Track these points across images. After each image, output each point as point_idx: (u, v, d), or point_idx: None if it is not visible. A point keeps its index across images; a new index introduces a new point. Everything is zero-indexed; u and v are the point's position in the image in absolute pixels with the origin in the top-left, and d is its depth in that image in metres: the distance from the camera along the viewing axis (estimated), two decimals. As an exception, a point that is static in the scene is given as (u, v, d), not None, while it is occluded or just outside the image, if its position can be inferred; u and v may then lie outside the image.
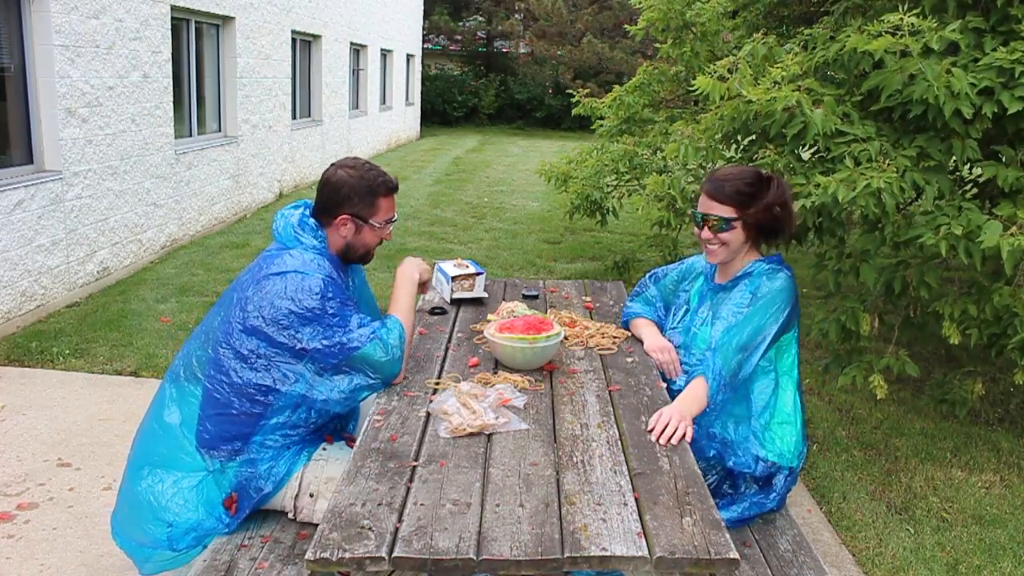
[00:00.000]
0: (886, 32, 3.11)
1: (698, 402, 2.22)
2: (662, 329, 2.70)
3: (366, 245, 2.40)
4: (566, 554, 1.56)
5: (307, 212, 2.37)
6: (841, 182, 3.01)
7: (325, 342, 2.15)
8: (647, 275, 2.86)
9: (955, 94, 3.02)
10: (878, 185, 2.96)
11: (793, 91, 3.23)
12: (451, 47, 25.75)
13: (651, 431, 2.06)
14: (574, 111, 6.41)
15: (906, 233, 3.20)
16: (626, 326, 2.80)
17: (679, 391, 2.36)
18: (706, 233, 2.41)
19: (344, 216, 2.33)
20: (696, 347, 2.48)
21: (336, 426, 2.41)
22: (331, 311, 2.17)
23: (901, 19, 3.06)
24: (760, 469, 2.35)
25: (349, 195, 2.32)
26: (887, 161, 3.11)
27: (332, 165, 2.39)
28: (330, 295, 2.19)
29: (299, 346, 2.14)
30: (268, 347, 2.15)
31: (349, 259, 2.41)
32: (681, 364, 2.51)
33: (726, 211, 2.37)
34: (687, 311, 2.61)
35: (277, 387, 2.15)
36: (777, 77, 3.32)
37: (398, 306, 2.43)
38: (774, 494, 2.37)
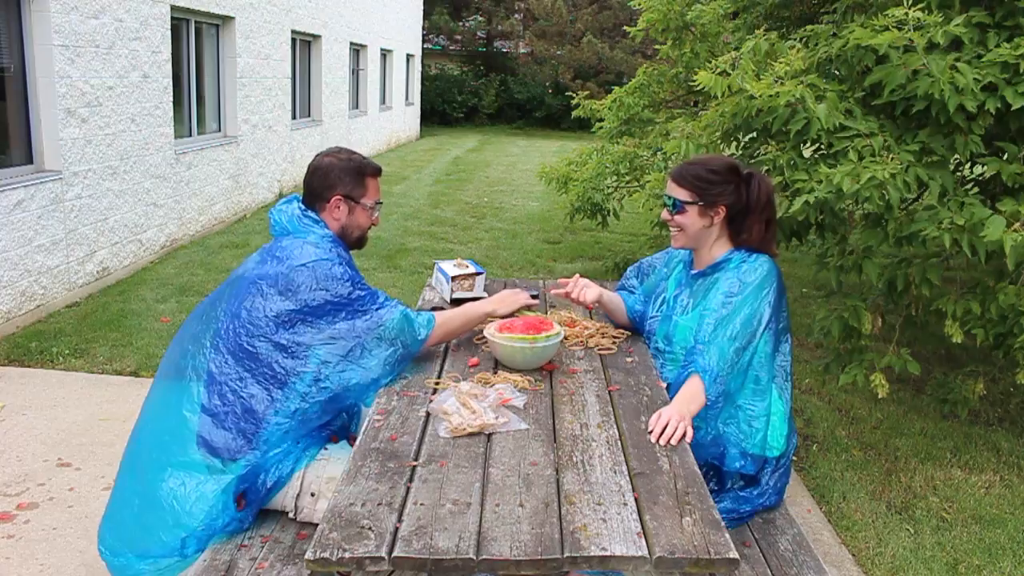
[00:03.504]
0: (892, 27, 3.10)
1: (696, 401, 2.21)
2: (632, 314, 2.74)
3: (360, 226, 2.49)
4: (566, 554, 1.55)
5: (302, 205, 2.43)
6: (846, 174, 3.01)
7: (363, 317, 2.26)
8: (631, 268, 2.89)
9: (959, 90, 3.02)
10: (883, 177, 2.95)
11: (796, 85, 3.23)
12: (451, 47, 25.76)
13: (651, 432, 2.06)
14: (574, 113, 6.41)
15: (909, 227, 3.20)
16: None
17: (668, 385, 2.37)
18: (664, 214, 2.50)
19: (337, 197, 2.42)
20: (678, 336, 2.47)
21: (342, 423, 2.41)
22: (362, 293, 2.30)
23: (906, 13, 3.05)
24: (748, 466, 2.35)
25: (340, 176, 2.43)
26: (890, 156, 3.10)
27: (316, 156, 2.51)
28: (356, 279, 2.32)
29: (337, 330, 2.24)
30: (309, 335, 2.22)
31: (346, 243, 2.49)
32: (665, 354, 2.52)
33: (681, 193, 2.43)
34: (664, 300, 2.61)
35: (306, 372, 2.21)
36: (780, 72, 3.31)
37: (450, 311, 2.53)
38: (759, 490, 2.36)
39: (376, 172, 2.51)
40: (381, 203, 2.55)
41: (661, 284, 2.67)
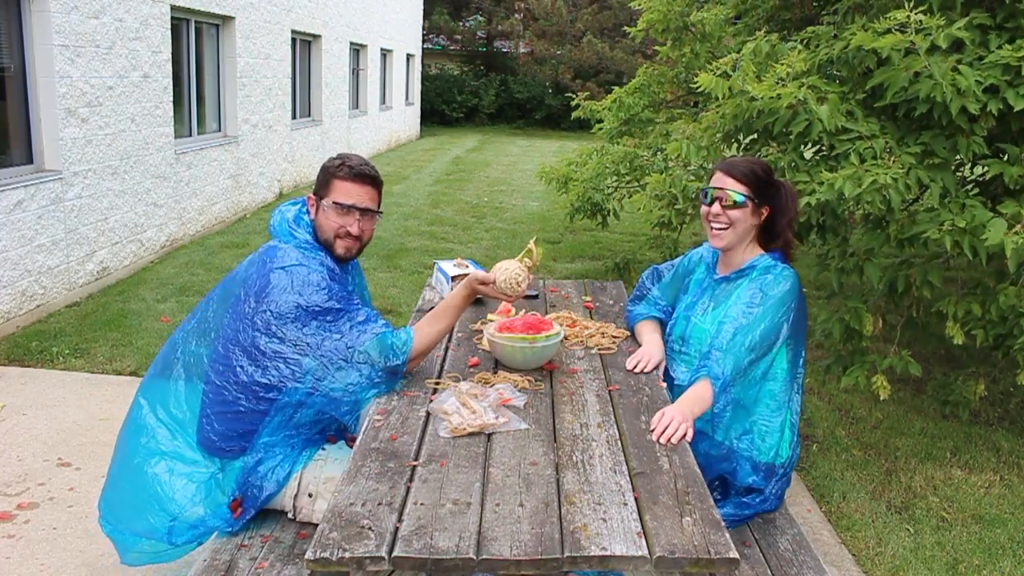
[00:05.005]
0: (895, 30, 3.10)
1: (700, 403, 2.21)
2: (665, 327, 2.69)
3: (322, 229, 2.34)
4: (566, 554, 1.55)
5: (303, 208, 2.40)
6: (847, 178, 3.01)
7: (332, 335, 2.16)
8: (646, 274, 2.84)
9: (961, 92, 3.02)
10: (884, 181, 2.95)
11: (798, 87, 3.22)
12: (451, 47, 25.76)
13: (652, 430, 2.07)
14: (574, 114, 6.41)
15: (910, 230, 3.20)
16: (631, 329, 2.79)
17: (680, 387, 2.37)
18: (716, 208, 2.40)
19: (311, 196, 2.40)
20: (694, 338, 2.47)
21: (340, 426, 2.41)
22: (337, 306, 2.19)
23: (908, 16, 3.05)
24: (760, 481, 2.35)
25: (318, 176, 2.40)
26: (892, 158, 3.10)
27: None
28: (335, 289, 2.21)
29: (306, 340, 2.15)
30: (277, 342, 2.15)
31: (328, 250, 2.36)
32: (680, 355, 2.52)
33: (742, 188, 2.37)
34: (683, 300, 2.61)
35: (282, 384, 2.15)
36: (782, 74, 3.31)
37: (429, 315, 2.36)
38: (761, 497, 2.37)
39: (348, 175, 2.33)
40: (354, 208, 2.32)
41: (683, 282, 2.67)
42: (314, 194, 2.39)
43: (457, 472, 1.84)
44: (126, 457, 2.28)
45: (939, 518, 3.27)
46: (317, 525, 1.72)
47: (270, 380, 2.15)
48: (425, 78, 22.73)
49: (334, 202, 2.32)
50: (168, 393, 2.29)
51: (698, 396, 2.22)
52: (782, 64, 3.37)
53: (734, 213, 2.38)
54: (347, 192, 2.33)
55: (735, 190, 2.37)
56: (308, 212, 2.39)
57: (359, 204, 2.34)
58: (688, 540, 1.60)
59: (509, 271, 2.37)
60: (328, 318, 2.17)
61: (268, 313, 2.16)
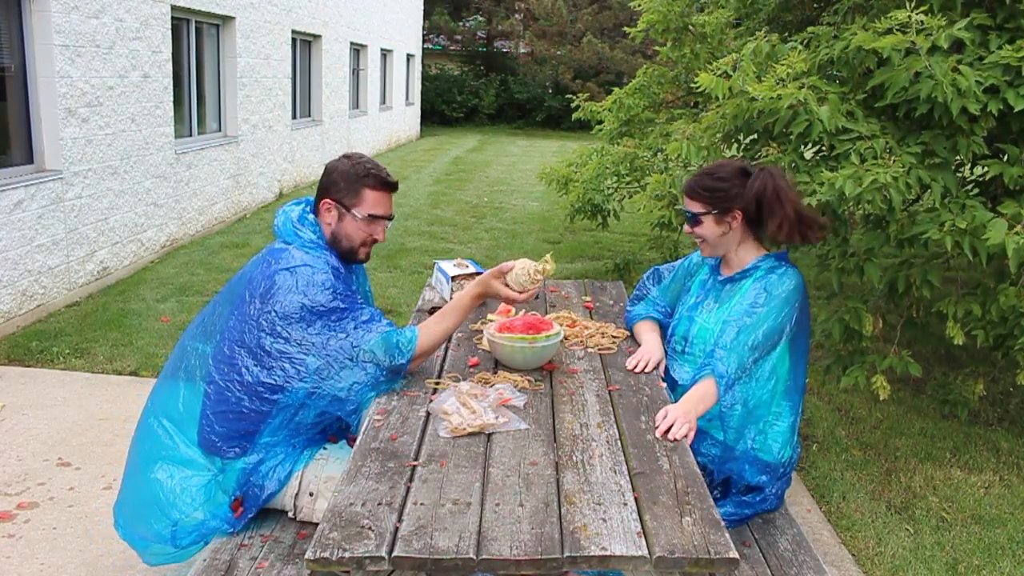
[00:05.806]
0: (896, 30, 3.10)
1: (704, 401, 2.22)
2: (665, 330, 2.70)
3: (348, 237, 2.34)
4: (566, 554, 1.56)
5: (308, 208, 2.39)
6: (848, 178, 3.01)
7: (338, 334, 2.16)
8: (646, 275, 2.85)
9: (961, 92, 3.02)
10: (885, 180, 2.96)
11: (798, 88, 3.23)
12: (451, 47, 25.76)
13: (656, 428, 2.07)
14: (574, 115, 6.40)
15: (910, 230, 3.20)
16: (630, 329, 2.80)
17: (683, 387, 2.37)
18: (686, 228, 2.51)
19: (328, 201, 2.34)
20: (699, 338, 2.47)
21: (341, 425, 2.41)
22: (342, 305, 2.19)
23: (909, 17, 3.06)
24: (765, 481, 2.35)
25: (336, 180, 2.33)
26: (892, 158, 3.10)
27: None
28: (340, 289, 2.21)
29: (311, 339, 2.15)
30: (283, 343, 2.15)
31: (339, 252, 2.36)
32: (684, 355, 2.52)
33: (695, 206, 2.44)
34: (685, 301, 2.61)
35: (286, 385, 2.15)
36: (782, 74, 3.31)
37: (437, 314, 2.36)
38: (761, 496, 2.37)
39: (378, 184, 2.33)
40: (385, 218, 2.36)
41: (684, 284, 2.67)
42: (333, 199, 2.33)
43: (457, 472, 1.84)
44: (133, 462, 2.31)
45: (939, 518, 3.27)
46: (317, 524, 1.72)
47: (275, 380, 2.15)
48: (425, 78, 22.74)
49: (370, 215, 2.32)
50: (170, 395, 2.30)
51: (702, 395, 2.23)
52: (782, 64, 3.37)
53: (698, 230, 2.46)
54: (380, 203, 2.35)
55: (690, 209, 2.45)
56: (313, 212, 2.38)
57: (389, 214, 2.38)
58: (688, 540, 1.60)
59: (527, 265, 2.40)
60: (333, 317, 2.17)
61: (273, 314, 2.16)
